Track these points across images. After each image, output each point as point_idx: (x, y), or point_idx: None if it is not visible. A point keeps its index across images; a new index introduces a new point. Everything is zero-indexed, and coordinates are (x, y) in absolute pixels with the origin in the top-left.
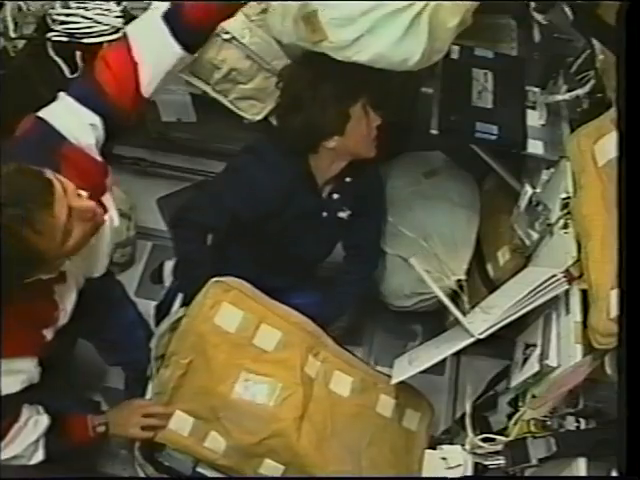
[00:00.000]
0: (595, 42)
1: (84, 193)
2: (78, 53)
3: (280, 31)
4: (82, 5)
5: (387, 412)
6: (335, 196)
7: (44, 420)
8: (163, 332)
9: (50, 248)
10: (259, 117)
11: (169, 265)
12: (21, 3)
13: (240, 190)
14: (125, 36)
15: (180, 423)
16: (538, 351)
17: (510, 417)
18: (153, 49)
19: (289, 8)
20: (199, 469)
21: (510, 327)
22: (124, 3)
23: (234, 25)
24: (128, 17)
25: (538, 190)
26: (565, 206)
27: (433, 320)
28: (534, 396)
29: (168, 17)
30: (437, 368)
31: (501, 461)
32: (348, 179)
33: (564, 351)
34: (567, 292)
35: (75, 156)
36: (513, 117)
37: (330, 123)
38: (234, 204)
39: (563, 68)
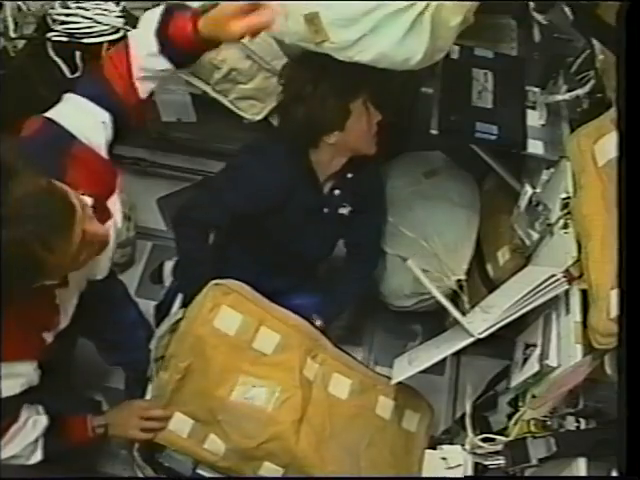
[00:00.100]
0: (595, 42)
1: (89, 200)
2: (78, 53)
3: (282, 32)
4: (82, 5)
5: (386, 414)
6: (336, 192)
7: (43, 420)
8: (163, 333)
9: (58, 265)
10: (259, 117)
11: (169, 265)
12: (21, 3)
13: (241, 187)
14: (126, 38)
15: (179, 424)
16: (538, 351)
17: (510, 417)
18: (145, 57)
19: (291, 8)
20: (199, 470)
21: (510, 327)
22: (123, 3)
23: None
24: (128, 17)
25: (538, 190)
26: (565, 206)
27: (433, 320)
28: (534, 396)
29: (158, 33)
30: (437, 368)
31: (501, 461)
32: (349, 175)
33: (564, 351)
34: (567, 292)
35: (85, 156)
36: (513, 117)
37: (330, 118)
38: (235, 201)
39: (563, 68)
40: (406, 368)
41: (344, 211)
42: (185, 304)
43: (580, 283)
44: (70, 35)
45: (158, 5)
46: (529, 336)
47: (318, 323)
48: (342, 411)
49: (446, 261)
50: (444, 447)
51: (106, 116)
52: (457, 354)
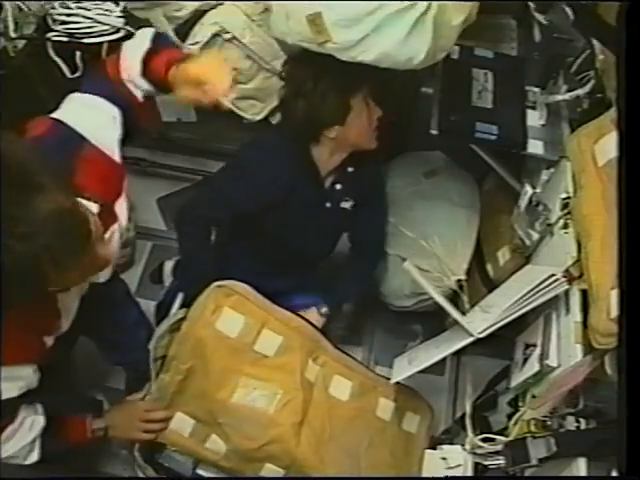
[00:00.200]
0: (595, 42)
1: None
2: (78, 53)
3: (284, 32)
4: (82, 5)
5: (386, 415)
6: (338, 186)
7: (40, 421)
8: (162, 333)
9: (62, 282)
10: (259, 117)
11: (169, 265)
12: (21, 3)
13: (243, 182)
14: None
15: (181, 423)
16: (538, 351)
17: (510, 417)
18: (132, 72)
19: (293, 9)
20: (199, 471)
21: (510, 327)
22: (123, 3)
23: (235, 25)
24: (128, 17)
25: (538, 190)
26: (565, 206)
27: (433, 320)
28: (534, 396)
29: (143, 61)
30: (437, 368)
31: (501, 461)
32: (350, 169)
33: (564, 351)
34: (567, 292)
35: (94, 158)
36: (513, 117)
37: (331, 113)
38: (237, 197)
39: (563, 68)
40: (406, 368)
41: (346, 205)
42: (186, 304)
43: (580, 283)
44: (70, 35)
45: (157, 5)
46: (529, 336)
47: (323, 310)
48: (342, 413)
49: (446, 261)
50: (444, 447)
51: (116, 111)
52: (457, 354)
